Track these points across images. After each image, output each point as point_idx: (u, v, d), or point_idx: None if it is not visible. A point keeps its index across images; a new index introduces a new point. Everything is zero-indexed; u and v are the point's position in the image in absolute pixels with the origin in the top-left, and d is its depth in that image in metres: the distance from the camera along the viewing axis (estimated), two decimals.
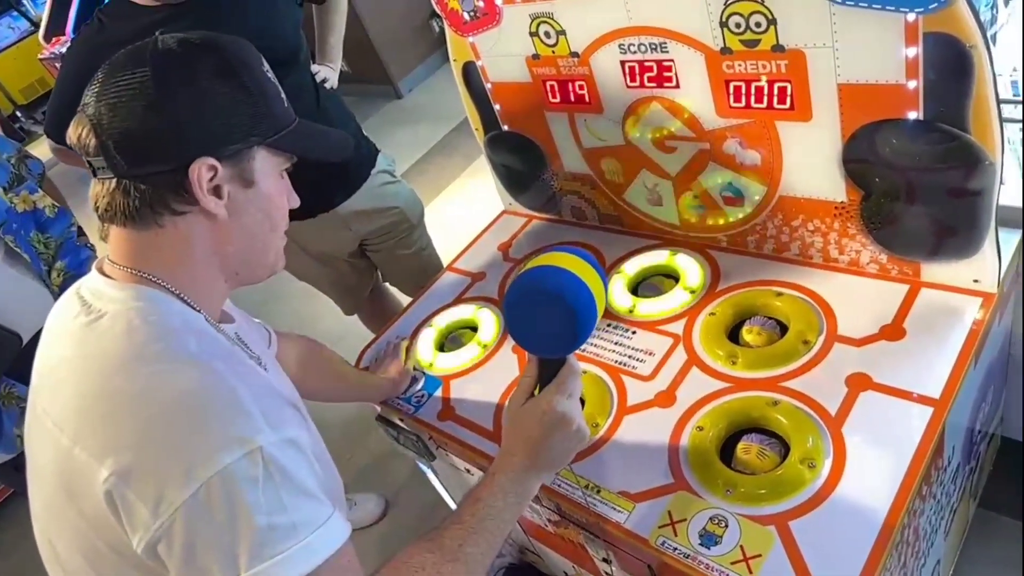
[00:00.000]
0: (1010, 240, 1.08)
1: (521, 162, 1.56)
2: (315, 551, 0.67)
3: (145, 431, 0.66)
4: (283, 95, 0.82)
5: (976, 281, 1.05)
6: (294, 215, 1.67)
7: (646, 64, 1.16)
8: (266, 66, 0.81)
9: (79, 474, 0.69)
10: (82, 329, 0.75)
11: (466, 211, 3.15)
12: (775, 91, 1.04)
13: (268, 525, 0.64)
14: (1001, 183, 0.95)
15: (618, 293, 1.35)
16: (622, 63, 1.18)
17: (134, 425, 0.67)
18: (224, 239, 0.78)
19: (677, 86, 1.15)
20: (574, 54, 1.23)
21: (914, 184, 1.00)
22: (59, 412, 0.73)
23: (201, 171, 0.72)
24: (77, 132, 0.72)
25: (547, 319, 0.79)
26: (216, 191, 0.74)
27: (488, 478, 0.85)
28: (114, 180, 0.72)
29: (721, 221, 1.30)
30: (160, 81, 0.70)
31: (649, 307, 1.28)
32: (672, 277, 1.35)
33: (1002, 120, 0.90)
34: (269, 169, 0.79)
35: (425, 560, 0.76)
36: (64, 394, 0.73)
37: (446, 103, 4.32)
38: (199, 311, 0.79)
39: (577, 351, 0.85)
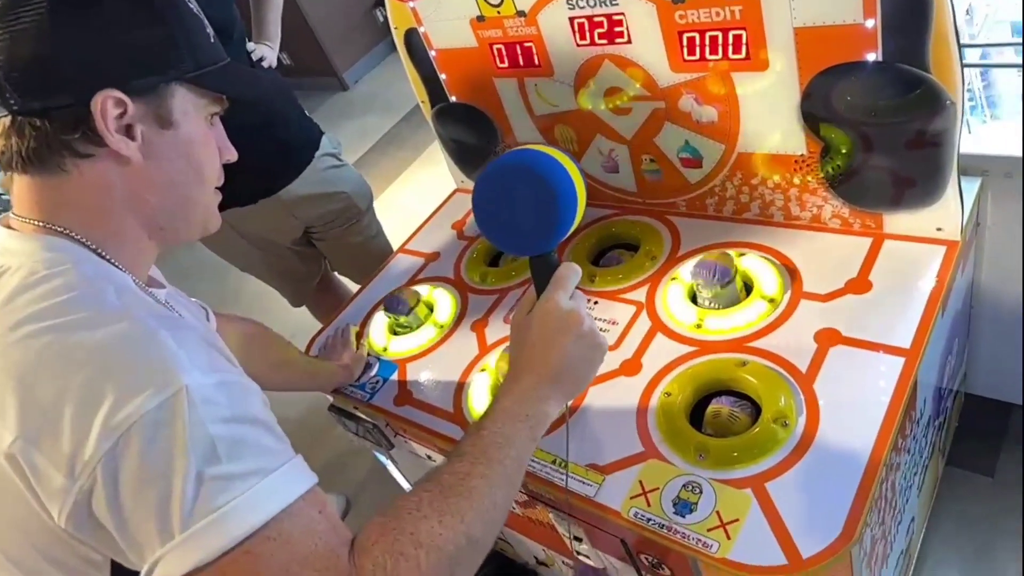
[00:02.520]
0: (971, 189, 1.06)
1: (472, 135, 1.50)
2: (264, 501, 0.56)
3: (53, 387, 0.57)
4: (210, 31, 0.74)
5: (939, 229, 1.03)
6: (234, 202, 1.60)
7: (596, 19, 1.11)
8: (192, 3, 0.73)
9: None
10: None
11: (417, 201, 3.08)
12: (730, 40, 1.00)
13: (201, 476, 0.55)
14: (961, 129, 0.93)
15: (578, 264, 1.29)
16: (571, 20, 1.13)
17: (41, 382, 0.58)
18: (141, 187, 0.69)
19: (629, 41, 1.10)
20: (520, 13, 1.17)
21: (875, 130, 0.97)
22: None
23: (106, 105, 0.64)
24: None
25: (524, 205, 0.69)
26: (128, 131, 0.66)
27: (491, 406, 0.75)
28: (9, 118, 0.64)
29: (679, 184, 1.26)
30: (58, 4, 0.62)
31: (610, 276, 1.24)
32: (632, 247, 1.31)
33: (963, 62, 0.88)
34: (192, 110, 0.71)
35: (422, 499, 0.66)
36: None
37: (394, 93, 4.23)
38: (123, 271, 0.70)
39: None
